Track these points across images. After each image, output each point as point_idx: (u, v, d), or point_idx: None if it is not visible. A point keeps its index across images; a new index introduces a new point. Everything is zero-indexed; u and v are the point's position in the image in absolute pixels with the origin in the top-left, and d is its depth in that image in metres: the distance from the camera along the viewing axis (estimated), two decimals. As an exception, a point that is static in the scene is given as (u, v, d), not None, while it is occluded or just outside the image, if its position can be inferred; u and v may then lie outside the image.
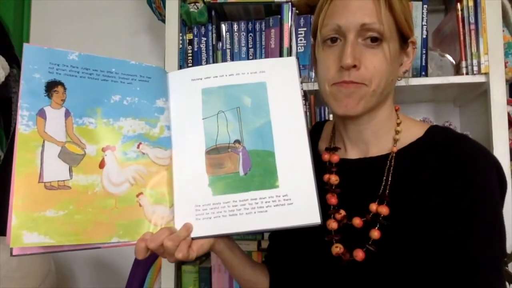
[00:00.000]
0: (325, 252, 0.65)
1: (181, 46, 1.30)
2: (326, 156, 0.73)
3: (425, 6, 1.22)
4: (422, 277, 0.59)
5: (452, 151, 0.63)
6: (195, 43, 1.32)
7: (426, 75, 1.22)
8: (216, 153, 0.65)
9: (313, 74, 1.25)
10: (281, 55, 1.26)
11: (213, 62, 1.31)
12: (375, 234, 0.62)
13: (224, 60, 1.31)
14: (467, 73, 1.19)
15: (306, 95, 1.26)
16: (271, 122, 0.66)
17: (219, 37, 1.33)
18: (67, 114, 0.60)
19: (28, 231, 0.54)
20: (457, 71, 1.22)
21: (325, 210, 0.66)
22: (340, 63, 0.62)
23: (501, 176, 0.62)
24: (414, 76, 1.22)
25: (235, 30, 1.32)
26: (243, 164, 0.64)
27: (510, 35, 1.24)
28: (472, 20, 1.19)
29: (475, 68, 1.18)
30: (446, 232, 0.59)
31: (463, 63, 1.19)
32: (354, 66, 0.61)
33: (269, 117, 0.66)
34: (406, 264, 0.60)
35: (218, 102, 0.67)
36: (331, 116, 1.25)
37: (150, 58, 1.68)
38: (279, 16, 1.27)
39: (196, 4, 1.30)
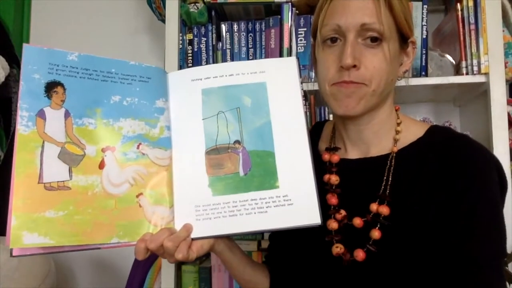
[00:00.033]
0: (325, 252, 0.65)
1: (181, 46, 1.29)
2: (326, 156, 0.73)
3: (425, 6, 1.22)
4: (423, 277, 0.59)
5: (452, 151, 0.63)
6: (195, 43, 1.32)
7: (426, 75, 1.22)
8: (216, 153, 0.65)
9: (313, 74, 1.25)
10: (281, 55, 1.26)
11: (213, 62, 1.31)
12: (376, 234, 0.62)
13: (224, 60, 1.31)
14: (467, 73, 1.19)
15: (306, 95, 1.26)
16: (271, 122, 0.66)
17: (219, 37, 1.33)
18: (67, 114, 0.60)
19: (28, 231, 0.54)
20: (457, 71, 1.22)
21: (326, 210, 0.66)
22: (340, 63, 0.62)
23: (501, 176, 0.62)
24: (414, 76, 1.22)
25: (235, 30, 1.31)
26: (243, 165, 0.64)
27: (510, 35, 1.24)
28: (472, 20, 1.19)
29: (475, 68, 1.18)
30: (447, 232, 0.59)
31: (463, 63, 1.19)
32: (354, 66, 0.61)
33: (269, 118, 0.66)
34: (406, 264, 0.60)
35: (218, 103, 0.67)
36: (331, 116, 1.25)
37: (150, 58, 1.68)
38: (279, 16, 1.27)
39: (196, 4, 1.29)
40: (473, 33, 1.18)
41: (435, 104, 1.53)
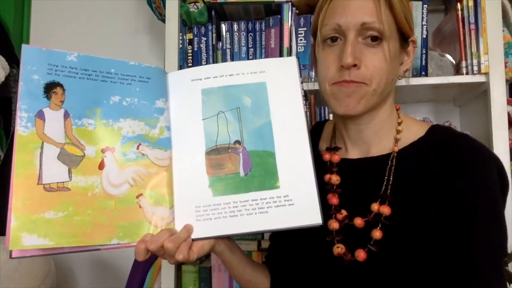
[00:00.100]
0: (326, 252, 0.65)
1: (181, 46, 1.29)
2: (327, 156, 0.72)
3: (425, 6, 1.22)
4: (424, 277, 0.59)
5: (453, 150, 0.63)
6: (195, 43, 1.31)
7: (426, 75, 1.22)
8: (216, 153, 0.65)
9: (313, 73, 1.25)
10: (281, 55, 1.26)
11: (213, 62, 1.30)
12: (377, 234, 0.62)
13: (224, 60, 1.30)
14: (467, 73, 1.19)
15: (306, 95, 1.25)
16: (271, 122, 0.66)
17: (219, 37, 1.33)
18: (66, 115, 0.60)
19: (27, 233, 0.54)
20: (457, 71, 1.22)
21: (326, 210, 0.66)
22: (340, 62, 0.62)
23: (502, 176, 0.62)
24: (414, 76, 1.22)
25: (235, 30, 1.31)
26: (243, 165, 0.64)
27: (510, 35, 1.24)
28: (472, 20, 1.18)
29: (475, 68, 1.18)
30: (447, 232, 0.59)
31: (463, 63, 1.19)
32: (355, 65, 0.61)
33: (269, 117, 0.66)
34: (408, 264, 0.60)
35: (218, 103, 0.67)
36: (331, 116, 1.25)
37: (150, 58, 1.68)
38: (279, 16, 1.27)
39: (196, 4, 1.29)
40: (473, 33, 1.18)
41: (435, 104, 1.53)
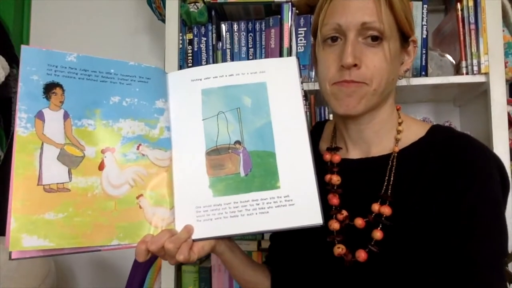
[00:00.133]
0: (327, 253, 0.65)
1: (181, 46, 1.29)
2: (327, 156, 0.72)
3: (425, 6, 1.22)
4: (425, 277, 0.59)
5: (453, 150, 0.62)
6: (195, 43, 1.31)
7: (426, 75, 1.22)
8: (216, 154, 0.65)
9: (313, 74, 1.25)
10: (281, 55, 1.26)
11: (213, 62, 1.30)
12: (378, 234, 0.62)
13: (224, 60, 1.30)
14: (467, 73, 1.19)
15: (306, 95, 1.25)
16: (271, 122, 0.66)
17: (219, 37, 1.32)
18: (66, 116, 0.60)
19: (27, 234, 0.54)
20: (457, 71, 1.22)
21: (327, 210, 0.66)
22: (340, 62, 0.62)
23: (503, 175, 0.62)
24: (414, 76, 1.22)
25: (235, 30, 1.31)
26: (243, 165, 0.64)
27: (510, 35, 1.24)
28: (472, 20, 1.18)
29: (475, 68, 1.18)
30: (448, 232, 0.59)
31: (463, 63, 1.19)
32: (355, 65, 0.61)
33: (270, 118, 0.66)
34: (408, 264, 0.60)
35: (218, 103, 0.67)
36: (331, 116, 1.24)
37: (150, 58, 1.68)
38: (279, 16, 1.27)
39: (196, 4, 1.29)
40: (473, 33, 1.18)
41: (435, 104, 1.53)
